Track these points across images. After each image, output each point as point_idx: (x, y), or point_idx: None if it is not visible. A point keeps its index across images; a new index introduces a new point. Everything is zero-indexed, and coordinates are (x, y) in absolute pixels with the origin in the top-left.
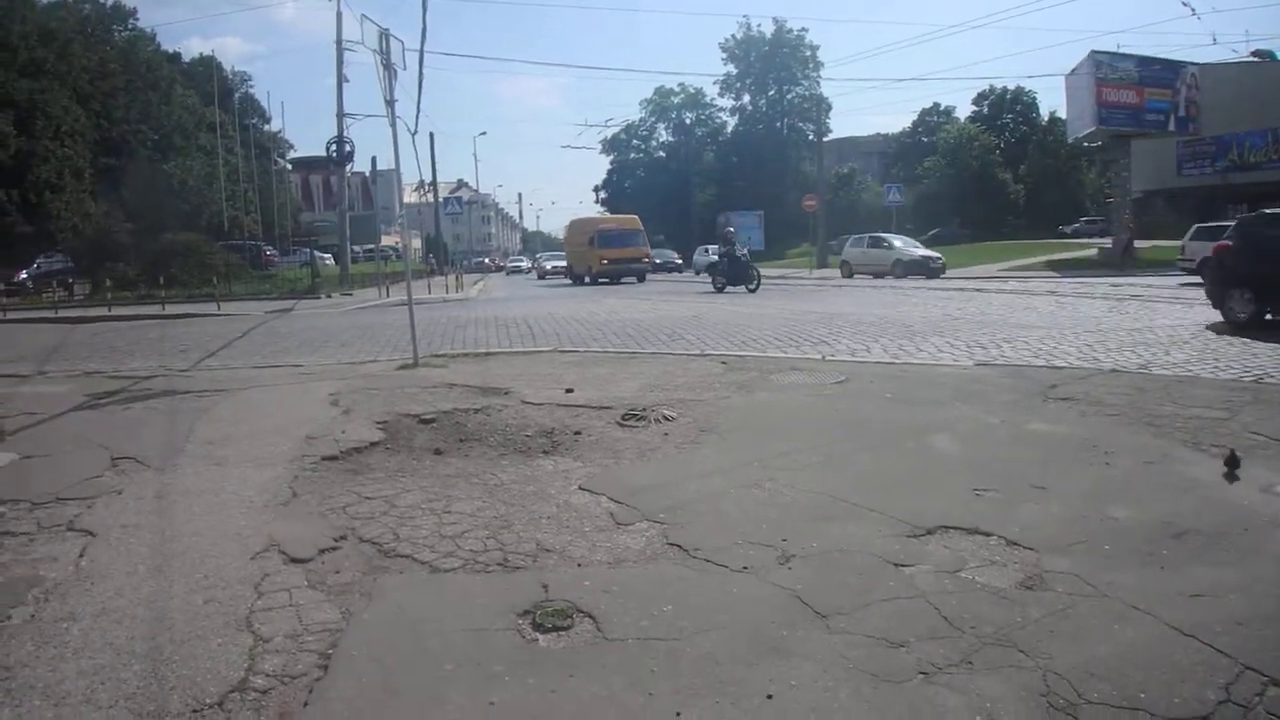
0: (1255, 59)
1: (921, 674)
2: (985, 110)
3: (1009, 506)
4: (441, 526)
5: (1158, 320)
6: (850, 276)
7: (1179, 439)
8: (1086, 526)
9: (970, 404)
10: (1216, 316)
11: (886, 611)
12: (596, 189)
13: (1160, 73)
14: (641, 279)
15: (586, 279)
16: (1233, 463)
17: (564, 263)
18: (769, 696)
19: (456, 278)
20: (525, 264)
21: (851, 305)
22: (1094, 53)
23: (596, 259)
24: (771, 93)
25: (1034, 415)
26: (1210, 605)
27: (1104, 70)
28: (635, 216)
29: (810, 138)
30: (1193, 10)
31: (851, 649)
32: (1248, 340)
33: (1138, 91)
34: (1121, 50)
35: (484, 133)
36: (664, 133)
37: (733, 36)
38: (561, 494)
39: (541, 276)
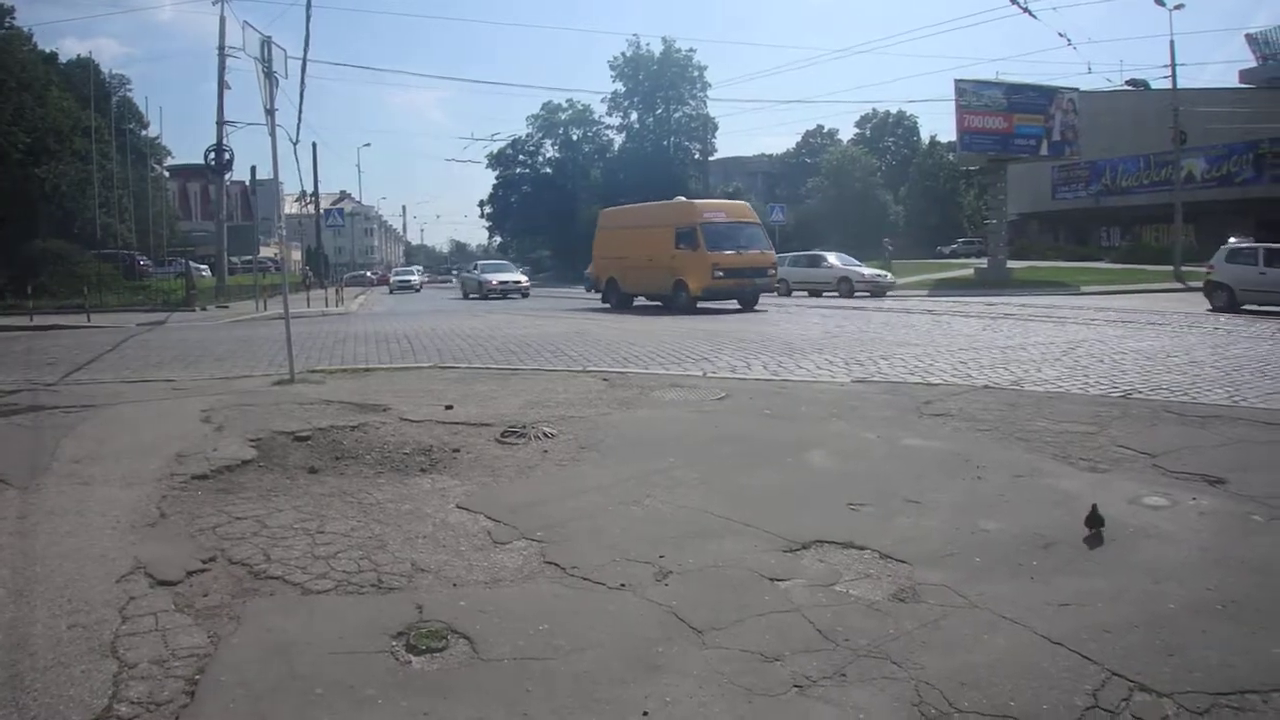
0: (1130, 88)
1: (796, 687)
2: (868, 133)
3: (883, 520)
4: (314, 547)
5: (1030, 338)
6: (788, 294)
7: (1049, 453)
8: (959, 539)
9: (847, 420)
10: (1090, 335)
11: (762, 626)
12: (481, 204)
13: (1032, 99)
14: (753, 301)
15: (680, 298)
16: (1094, 521)
17: (515, 277)
18: (644, 714)
19: (337, 291)
20: (416, 279)
21: (737, 324)
22: (957, 81)
23: (702, 267)
24: (659, 111)
25: (909, 431)
26: (1078, 614)
27: (968, 98)
28: (745, 204)
29: (696, 156)
30: (1068, 40)
31: (727, 664)
32: (1117, 356)
33: (1006, 117)
34: (1000, 78)
35: (368, 144)
36: (551, 149)
37: (622, 55)
38: (438, 513)
39: (484, 296)
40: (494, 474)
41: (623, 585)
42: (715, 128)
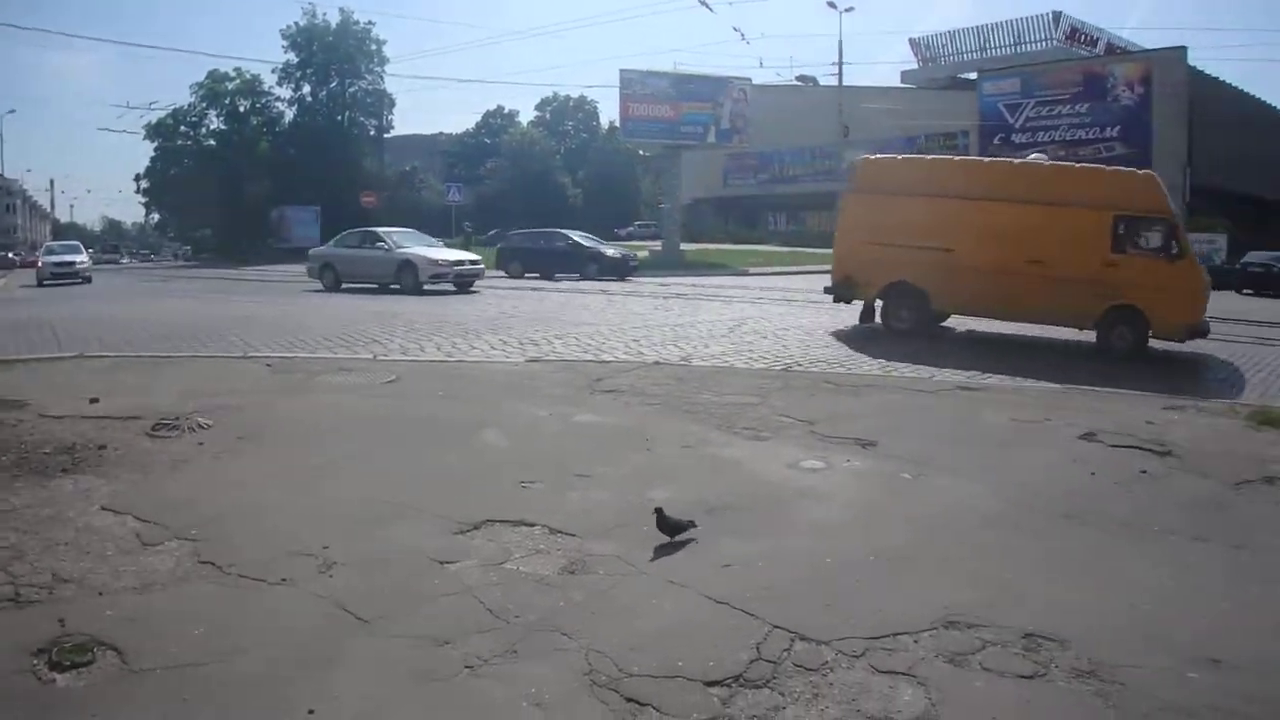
0: (799, 83)
1: (468, 668)
2: (548, 115)
3: (554, 496)
4: None
5: (700, 316)
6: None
7: (714, 424)
8: (628, 510)
9: (521, 399)
10: (754, 313)
11: (432, 611)
12: (138, 178)
13: (701, 89)
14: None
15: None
16: (674, 528)
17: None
18: (310, 711)
19: None
20: (81, 261)
21: (410, 305)
22: (623, 71)
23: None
24: (334, 85)
25: (581, 407)
26: (743, 574)
27: (633, 87)
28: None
29: (372, 133)
30: (742, 35)
31: (397, 652)
32: (780, 332)
33: (674, 106)
34: (678, 69)
35: (13, 110)
36: (216, 120)
37: (295, 24)
38: (82, 516)
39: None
40: (144, 471)
41: (284, 580)
42: (393, 104)
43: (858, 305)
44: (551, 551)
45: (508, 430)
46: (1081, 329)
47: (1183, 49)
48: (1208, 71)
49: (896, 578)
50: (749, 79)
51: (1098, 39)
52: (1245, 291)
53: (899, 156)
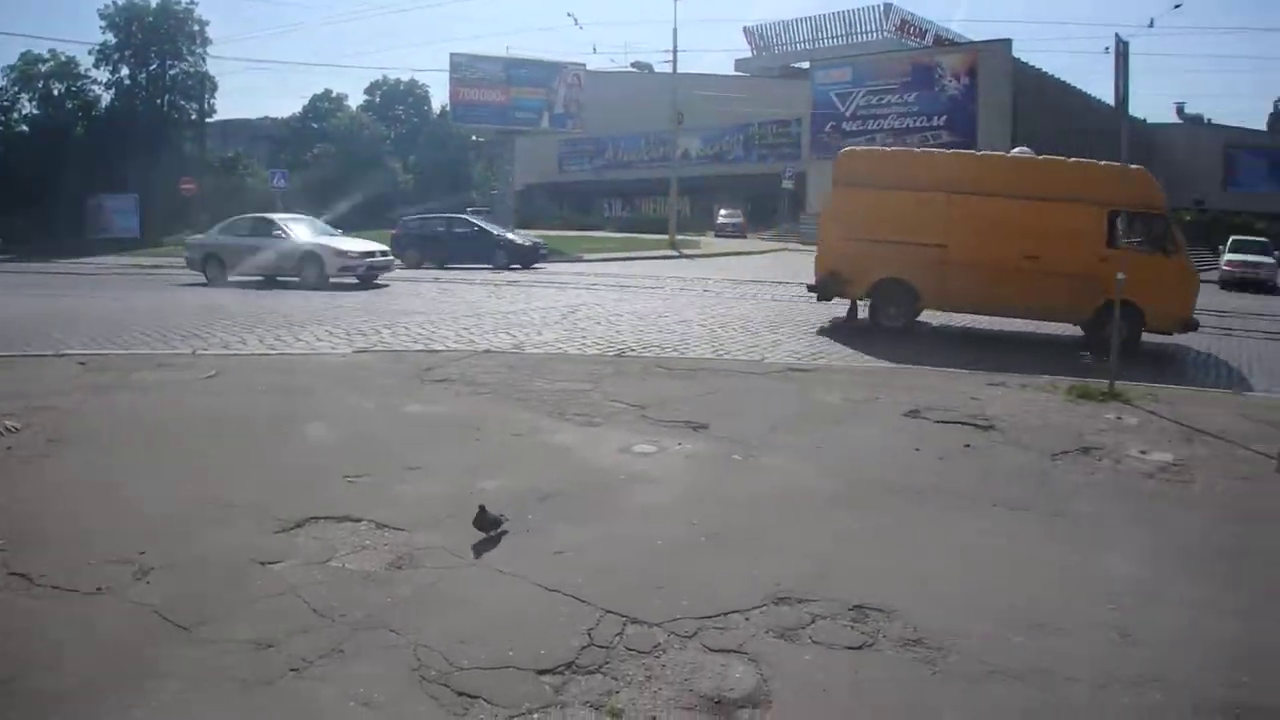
0: (634, 69)
1: (293, 671)
2: (378, 100)
3: (382, 489)
4: None
5: (533, 303)
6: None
7: (546, 411)
8: (458, 501)
9: (348, 391)
10: (589, 299)
11: (255, 613)
12: None
13: (534, 73)
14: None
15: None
16: (484, 523)
17: None
18: None
19: None
20: None
21: (227, 298)
22: (453, 55)
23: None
24: (154, 67)
25: (411, 398)
26: (573, 560)
27: (463, 71)
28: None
29: (194, 117)
30: (575, 20)
31: (219, 658)
32: (614, 318)
33: (504, 90)
34: (510, 53)
35: None
36: (29, 105)
37: (114, 2)
38: None
39: None
40: None
41: (100, 590)
42: (215, 87)
43: (697, 288)
44: (378, 546)
45: (334, 424)
46: (1075, 324)
47: (1007, 41)
48: (1031, 63)
49: (727, 558)
50: (583, 64)
51: (926, 31)
52: None
53: (885, 149)
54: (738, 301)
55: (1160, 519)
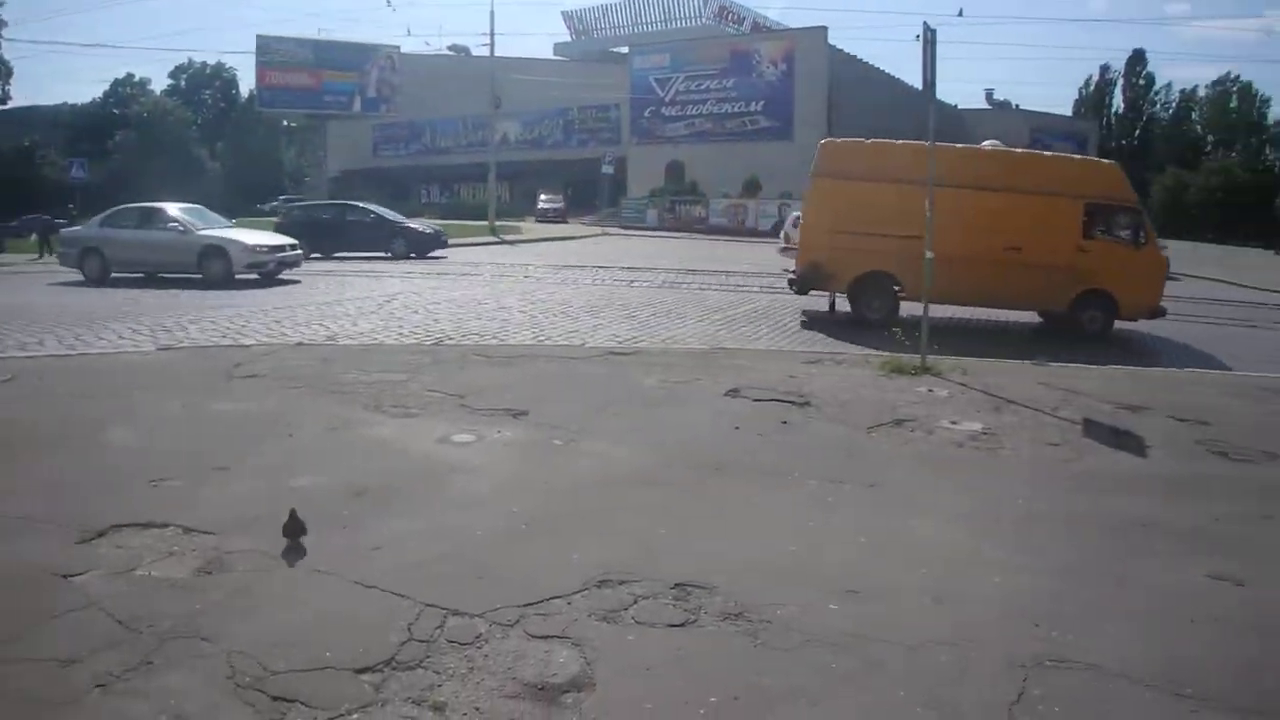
0: (451, 53)
1: (100, 687)
2: (183, 84)
3: (189, 493)
4: None
5: (347, 293)
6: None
7: (361, 404)
8: (270, 501)
9: (151, 391)
10: (405, 288)
11: (57, 629)
12: None
13: (345, 56)
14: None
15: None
16: (293, 529)
17: None
18: None
19: None
20: None
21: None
22: (260, 37)
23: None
24: None
25: (218, 396)
26: (392, 555)
27: (271, 54)
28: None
29: None
30: (388, 1)
31: (18, 679)
32: (431, 306)
33: (314, 74)
34: (322, 35)
35: None
36: None
37: None
38: None
39: None
40: None
41: None
42: (10, 72)
43: (518, 274)
44: (186, 552)
45: (137, 426)
46: (1053, 312)
47: (823, 29)
48: (847, 50)
49: (548, 543)
50: (397, 46)
51: (745, 18)
52: None
53: (866, 140)
54: (558, 287)
55: (971, 486)
